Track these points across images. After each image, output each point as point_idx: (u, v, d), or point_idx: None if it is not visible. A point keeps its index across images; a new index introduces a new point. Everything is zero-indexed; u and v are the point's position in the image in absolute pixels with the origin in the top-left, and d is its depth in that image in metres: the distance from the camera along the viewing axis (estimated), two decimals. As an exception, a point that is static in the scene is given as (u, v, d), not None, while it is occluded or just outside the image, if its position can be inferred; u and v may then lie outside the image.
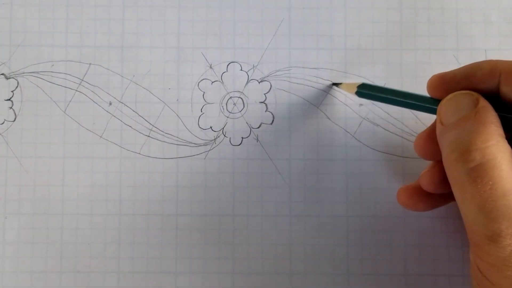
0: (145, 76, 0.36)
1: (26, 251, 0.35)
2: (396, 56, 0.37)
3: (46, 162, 0.36)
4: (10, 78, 0.36)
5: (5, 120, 0.36)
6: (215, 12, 0.37)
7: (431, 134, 0.29)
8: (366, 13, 0.37)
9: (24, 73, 0.36)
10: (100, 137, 0.36)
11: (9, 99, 0.36)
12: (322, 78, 0.37)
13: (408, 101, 0.30)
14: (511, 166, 0.24)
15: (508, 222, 0.23)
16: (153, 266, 0.35)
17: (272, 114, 0.36)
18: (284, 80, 0.36)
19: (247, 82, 0.36)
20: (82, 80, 0.36)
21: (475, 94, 0.26)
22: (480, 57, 0.37)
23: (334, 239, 0.35)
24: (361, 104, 0.36)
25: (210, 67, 0.37)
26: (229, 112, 0.36)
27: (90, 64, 0.36)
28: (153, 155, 0.36)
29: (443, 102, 0.27)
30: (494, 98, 0.26)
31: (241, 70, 0.37)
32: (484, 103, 0.25)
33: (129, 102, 0.36)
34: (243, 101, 0.36)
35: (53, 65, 0.36)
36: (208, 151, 0.36)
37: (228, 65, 0.37)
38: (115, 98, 0.36)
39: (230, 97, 0.36)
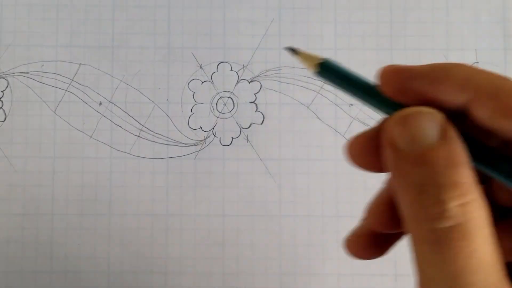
0: (135, 76, 0.36)
1: (16, 251, 0.35)
2: (386, 56, 0.37)
3: (36, 162, 0.36)
4: (0, 78, 0.36)
5: (-5, 120, 0.36)
6: (205, 12, 0.37)
7: (373, 141, 0.22)
8: (356, 13, 0.37)
9: (14, 73, 0.36)
10: (90, 137, 0.36)
11: (-1, 99, 0.36)
12: (312, 78, 0.36)
13: (371, 102, 0.22)
14: (491, 230, 0.19)
15: None
16: (143, 266, 0.35)
17: (262, 114, 0.36)
18: (274, 80, 0.36)
19: (237, 82, 0.36)
20: (72, 80, 0.36)
21: (442, 118, 0.19)
22: (470, 57, 0.37)
23: (323, 239, 0.35)
24: (351, 104, 0.36)
25: (200, 67, 0.37)
26: (219, 112, 0.36)
27: (80, 64, 0.36)
28: (143, 155, 0.36)
29: (396, 119, 0.19)
30: (457, 115, 0.20)
31: (231, 70, 0.37)
32: (454, 133, 0.19)
33: (119, 102, 0.36)
34: (233, 101, 0.36)
35: (43, 65, 0.36)
36: (198, 151, 0.36)
37: (218, 65, 0.37)
38: (105, 98, 0.36)
39: (220, 97, 0.36)
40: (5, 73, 0.36)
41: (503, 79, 0.19)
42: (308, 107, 0.36)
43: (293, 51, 0.24)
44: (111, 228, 0.35)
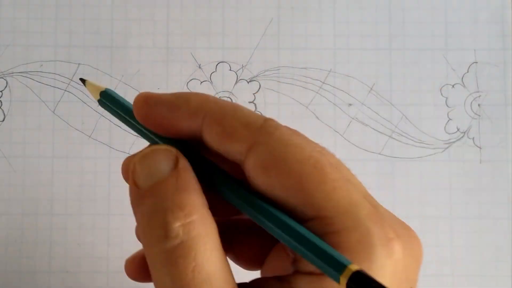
0: (134, 76, 0.36)
1: (15, 251, 0.35)
2: (385, 56, 0.37)
3: (35, 162, 0.36)
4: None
5: (-6, 120, 0.36)
6: (204, 12, 0.37)
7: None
8: (355, 13, 0.37)
9: (13, 73, 0.36)
10: (89, 137, 0.36)
11: (-2, 99, 0.36)
12: (311, 78, 0.37)
13: (142, 134, 0.23)
14: (216, 244, 0.20)
15: None
16: (142, 266, 0.35)
17: (261, 114, 0.36)
18: (273, 80, 0.36)
19: (236, 82, 0.36)
20: (71, 80, 0.36)
21: (174, 151, 0.21)
22: (469, 57, 0.37)
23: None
24: (350, 104, 0.36)
25: (199, 67, 0.37)
26: (218, 112, 0.36)
27: (79, 64, 0.36)
28: (142, 155, 0.36)
29: (136, 159, 0.21)
30: (198, 143, 0.22)
31: (230, 70, 0.37)
32: (184, 163, 0.21)
33: (118, 102, 0.36)
34: (232, 101, 0.36)
35: (42, 65, 0.36)
36: (197, 151, 0.36)
37: (217, 65, 0.37)
38: (104, 98, 0.36)
39: (219, 97, 0.36)
40: (4, 73, 0.36)
41: (231, 107, 0.21)
42: (307, 107, 0.36)
43: (83, 81, 0.26)
44: (110, 228, 0.35)
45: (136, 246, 0.35)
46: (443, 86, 0.37)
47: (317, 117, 0.36)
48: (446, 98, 0.37)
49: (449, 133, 0.36)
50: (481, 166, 0.36)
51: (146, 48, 0.36)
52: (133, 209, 0.21)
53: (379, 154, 0.36)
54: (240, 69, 0.36)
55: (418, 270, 0.21)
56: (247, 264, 0.26)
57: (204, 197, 0.21)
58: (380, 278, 0.19)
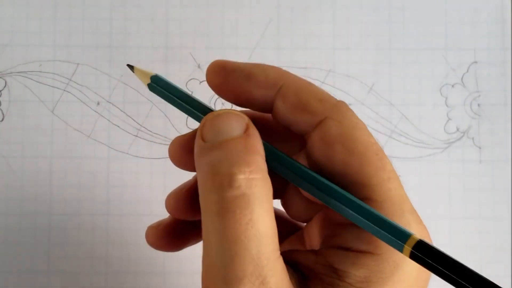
0: (133, 75, 0.36)
1: (13, 251, 0.35)
2: (384, 55, 0.37)
3: (34, 162, 0.35)
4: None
5: (-8, 120, 0.36)
6: (203, 12, 0.37)
7: (191, 142, 0.23)
8: (355, 12, 0.37)
9: (12, 73, 0.36)
10: (88, 137, 0.36)
11: (-4, 99, 0.36)
12: (311, 78, 0.36)
13: (193, 114, 0.25)
14: (271, 207, 0.21)
15: (253, 267, 0.19)
16: (142, 266, 0.35)
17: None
18: (273, 80, 0.36)
19: (236, 82, 0.36)
20: (70, 80, 0.36)
21: (246, 119, 0.22)
22: (468, 57, 0.37)
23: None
24: (350, 104, 0.36)
25: (198, 67, 0.36)
26: (217, 112, 0.36)
27: (78, 64, 0.36)
28: (141, 155, 0.36)
29: (209, 117, 0.22)
30: (264, 121, 0.24)
31: (230, 69, 0.36)
32: (253, 131, 0.22)
33: (117, 102, 0.36)
34: (231, 101, 0.36)
35: (41, 65, 0.36)
36: (196, 151, 0.36)
37: (216, 65, 0.36)
38: (103, 98, 0.36)
39: (218, 97, 0.36)
40: (2, 72, 0.36)
41: (307, 83, 0.23)
42: (306, 107, 0.36)
43: (131, 67, 0.28)
44: (109, 228, 0.35)
45: (134, 247, 0.35)
46: (443, 86, 0.37)
47: (316, 117, 0.36)
48: (446, 98, 0.37)
49: (448, 133, 0.36)
50: (481, 166, 0.36)
51: (145, 48, 0.36)
52: (196, 162, 0.22)
53: (379, 154, 0.36)
54: (239, 69, 0.36)
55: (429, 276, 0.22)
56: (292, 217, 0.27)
57: (266, 164, 0.21)
58: (410, 273, 0.21)
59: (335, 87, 0.36)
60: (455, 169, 0.36)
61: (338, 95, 0.36)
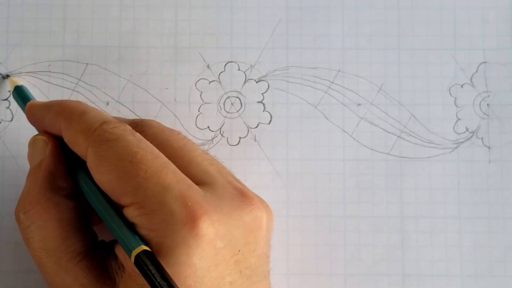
0: (142, 76, 0.36)
1: (22, 251, 0.35)
2: (393, 56, 0.37)
3: (43, 162, 0.35)
4: (7, 78, 0.36)
5: (2, 120, 0.36)
6: (212, 12, 0.37)
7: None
8: (364, 12, 0.37)
9: (21, 73, 0.36)
10: (97, 137, 0.36)
11: (6, 99, 0.36)
12: (320, 78, 0.36)
13: None
14: (54, 225, 0.27)
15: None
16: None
17: (269, 114, 0.36)
18: (282, 80, 0.36)
19: (245, 81, 0.36)
20: (80, 80, 0.36)
21: (47, 140, 0.28)
22: (478, 57, 0.37)
23: (331, 239, 0.35)
24: (359, 104, 0.36)
25: (208, 67, 0.36)
26: (227, 112, 0.36)
27: (87, 64, 0.36)
28: (150, 155, 0.36)
29: (29, 141, 0.30)
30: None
31: (239, 70, 0.36)
32: (50, 150, 0.28)
33: (127, 102, 0.36)
34: (240, 101, 0.36)
35: (50, 65, 0.36)
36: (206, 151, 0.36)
37: (225, 65, 0.36)
38: (112, 98, 0.36)
39: (228, 97, 0.36)
40: (12, 73, 0.36)
41: (78, 114, 0.27)
42: (315, 107, 0.36)
43: (5, 76, 0.35)
44: (119, 228, 0.35)
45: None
46: (452, 86, 0.37)
47: (326, 117, 0.36)
48: (455, 98, 0.37)
49: (458, 133, 0.36)
50: (490, 166, 0.36)
51: (155, 48, 0.36)
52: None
53: (388, 154, 0.36)
54: (248, 69, 0.36)
55: (258, 236, 0.27)
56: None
57: (56, 183, 0.28)
58: (186, 250, 0.23)
59: (344, 87, 0.36)
60: (464, 169, 0.36)
61: (347, 95, 0.36)
